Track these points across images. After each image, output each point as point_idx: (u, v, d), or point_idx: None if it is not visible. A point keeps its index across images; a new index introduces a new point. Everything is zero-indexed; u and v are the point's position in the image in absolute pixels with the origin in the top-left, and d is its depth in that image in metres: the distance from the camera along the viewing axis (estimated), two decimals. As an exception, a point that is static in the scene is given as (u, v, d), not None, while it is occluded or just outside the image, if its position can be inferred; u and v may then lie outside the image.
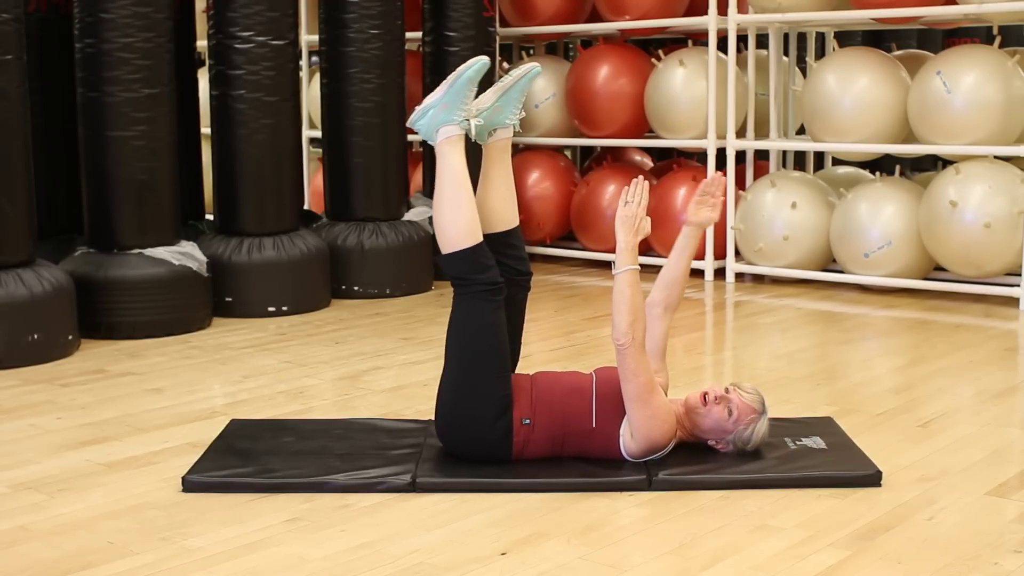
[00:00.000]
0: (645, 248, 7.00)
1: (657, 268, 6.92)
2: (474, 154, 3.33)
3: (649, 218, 3.26)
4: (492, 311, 3.23)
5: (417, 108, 3.34)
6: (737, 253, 6.73)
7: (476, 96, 3.36)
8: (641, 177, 3.29)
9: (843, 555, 2.73)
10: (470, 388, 3.22)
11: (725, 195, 3.52)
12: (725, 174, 6.64)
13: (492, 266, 3.25)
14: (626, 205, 3.23)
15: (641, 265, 3.26)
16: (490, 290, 3.23)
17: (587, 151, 8.63)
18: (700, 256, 6.77)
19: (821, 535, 2.85)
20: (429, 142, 3.36)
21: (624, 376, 3.16)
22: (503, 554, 2.74)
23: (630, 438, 3.22)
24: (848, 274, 6.32)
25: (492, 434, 3.22)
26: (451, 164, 3.29)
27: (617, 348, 3.15)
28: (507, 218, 3.42)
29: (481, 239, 3.26)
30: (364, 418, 3.79)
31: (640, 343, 3.13)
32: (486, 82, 3.44)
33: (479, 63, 3.29)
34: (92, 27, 5.12)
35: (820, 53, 8.03)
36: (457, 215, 3.25)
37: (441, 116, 3.30)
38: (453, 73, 3.31)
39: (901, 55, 6.86)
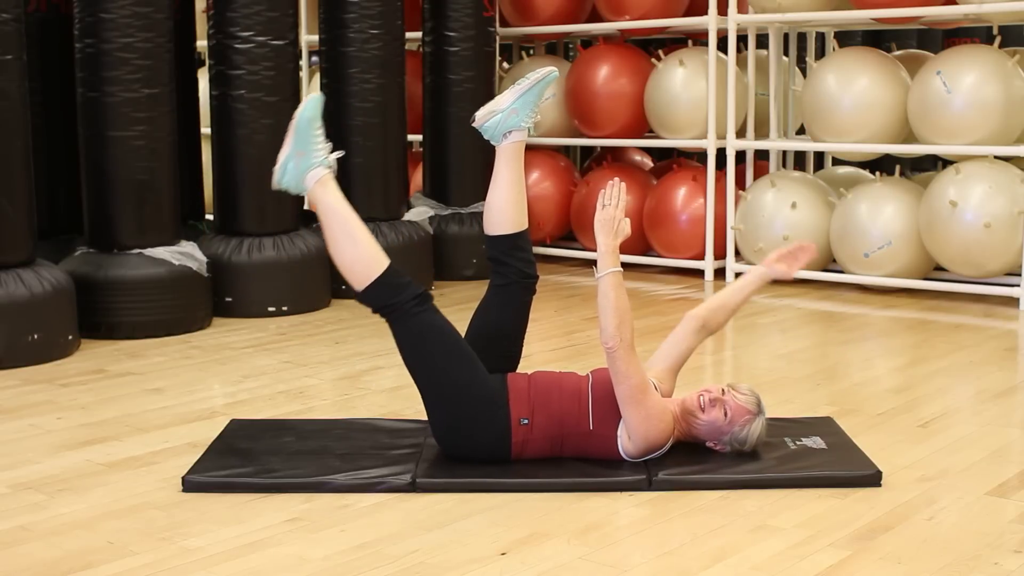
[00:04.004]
0: (644, 248, 7.04)
1: (657, 267, 6.96)
2: (486, 155, 3.30)
3: (628, 219, 3.26)
4: (430, 318, 3.22)
5: (276, 168, 3.30)
6: (737, 253, 6.73)
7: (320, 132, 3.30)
8: (617, 179, 3.29)
9: (843, 555, 2.73)
10: (451, 395, 3.22)
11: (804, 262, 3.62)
12: (725, 175, 6.68)
13: (408, 280, 3.24)
14: (604, 208, 3.23)
15: (630, 265, 3.26)
16: (418, 302, 3.21)
17: (587, 151, 8.63)
18: (700, 256, 6.78)
19: (821, 535, 2.85)
20: (301, 194, 3.31)
21: (616, 379, 3.16)
22: (503, 554, 2.74)
23: (627, 439, 3.22)
24: (848, 274, 6.32)
25: (490, 432, 3.22)
26: (329, 204, 3.26)
27: (606, 351, 3.15)
28: (517, 220, 3.42)
29: (388, 260, 3.23)
30: (364, 418, 3.79)
31: (628, 344, 3.13)
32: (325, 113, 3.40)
33: (312, 101, 3.28)
34: (92, 27, 5.12)
35: (820, 53, 8.03)
36: (358, 249, 3.23)
37: (302, 164, 3.27)
38: (292, 118, 3.28)
39: (901, 55, 6.87)
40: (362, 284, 3.22)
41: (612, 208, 3.22)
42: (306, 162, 3.27)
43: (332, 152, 3.31)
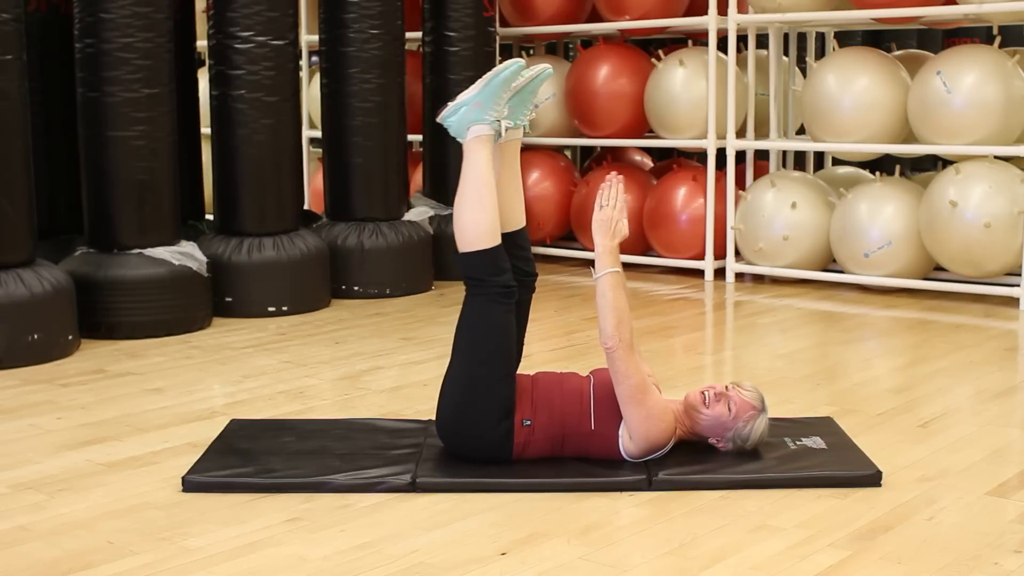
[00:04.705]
0: (645, 248, 7.03)
1: (657, 267, 6.96)
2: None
3: (626, 220, 3.26)
4: (504, 313, 3.23)
5: (450, 104, 3.32)
6: (737, 253, 6.73)
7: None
8: (614, 176, 3.29)
9: (843, 555, 2.73)
10: (476, 389, 3.22)
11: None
12: (725, 175, 6.67)
13: (508, 269, 3.25)
14: (601, 208, 3.23)
15: (630, 264, 3.26)
16: (504, 293, 3.22)
17: (587, 151, 8.63)
18: (700, 256, 6.77)
19: (821, 535, 2.85)
20: (458, 139, 3.34)
21: (616, 379, 3.17)
22: (503, 554, 2.74)
23: (628, 439, 3.22)
24: (848, 274, 6.32)
25: (494, 435, 3.22)
26: (478, 164, 3.27)
27: (606, 352, 3.16)
28: (515, 218, 3.43)
29: (500, 241, 3.25)
30: (364, 418, 3.79)
31: (628, 344, 3.14)
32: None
33: (516, 64, 3.29)
34: (92, 27, 5.12)
35: (820, 53, 8.03)
36: (480, 215, 3.23)
37: (474, 114, 3.28)
38: (489, 72, 3.30)
39: (901, 55, 6.86)
40: (466, 247, 3.24)
41: (610, 208, 3.23)
42: (479, 115, 3.28)
43: (505, 125, 3.30)
